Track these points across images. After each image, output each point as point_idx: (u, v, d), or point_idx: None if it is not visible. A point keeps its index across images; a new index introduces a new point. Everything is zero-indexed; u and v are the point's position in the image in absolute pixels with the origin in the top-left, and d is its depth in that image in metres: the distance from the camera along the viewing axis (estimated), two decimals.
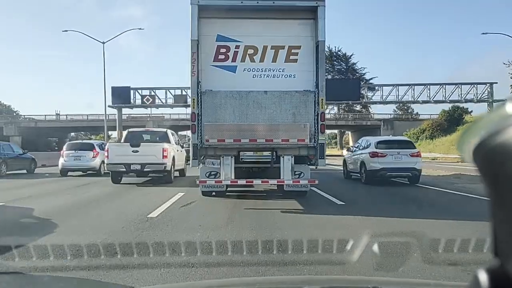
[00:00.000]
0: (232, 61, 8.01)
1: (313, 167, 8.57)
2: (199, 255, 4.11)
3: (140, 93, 45.47)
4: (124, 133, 14.51)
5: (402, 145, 13.14)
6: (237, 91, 7.81)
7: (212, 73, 7.96)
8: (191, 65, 7.78)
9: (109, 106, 42.21)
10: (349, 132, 61.10)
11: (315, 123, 7.90)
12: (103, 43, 33.59)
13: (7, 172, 16.96)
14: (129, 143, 12.54)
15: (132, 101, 44.89)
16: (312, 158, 8.23)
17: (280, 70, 8.04)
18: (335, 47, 58.76)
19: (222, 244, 4.49)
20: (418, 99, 46.29)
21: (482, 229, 4.70)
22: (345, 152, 16.13)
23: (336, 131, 69.46)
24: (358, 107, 58.30)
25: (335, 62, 58.72)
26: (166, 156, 12.12)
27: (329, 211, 7.27)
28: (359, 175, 13.31)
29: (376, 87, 50.08)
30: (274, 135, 7.79)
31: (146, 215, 6.61)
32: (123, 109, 46.07)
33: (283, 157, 7.97)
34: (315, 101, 7.90)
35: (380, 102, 48.21)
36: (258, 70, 8.04)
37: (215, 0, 8.09)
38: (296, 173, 8.29)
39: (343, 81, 46.35)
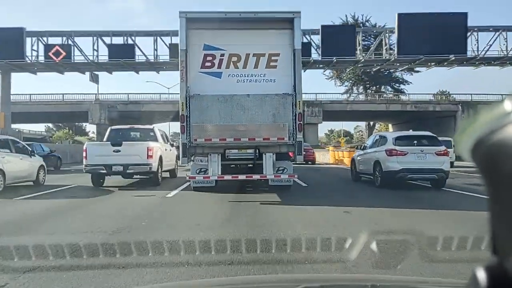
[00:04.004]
0: (217, 68, 8.88)
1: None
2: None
3: (45, 41, 24.65)
4: (107, 130, 13.29)
5: (425, 142, 10.97)
6: (222, 94, 8.71)
7: (199, 79, 8.85)
8: (180, 72, 8.72)
9: None
10: (390, 125, 47.40)
11: (293, 123, 8.72)
12: None
13: None
14: (109, 142, 11.48)
15: (29, 57, 24.63)
16: (292, 155, 9.08)
17: (261, 75, 8.85)
18: (362, 15, 46.46)
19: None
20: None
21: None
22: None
23: (359, 124, 57.96)
24: (389, 90, 44.11)
25: (362, 36, 47.06)
26: (151, 156, 11.10)
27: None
28: (371, 177, 11.41)
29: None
30: (256, 134, 8.67)
31: None
32: (13, 73, 26.60)
33: (265, 154, 8.85)
34: (293, 103, 8.70)
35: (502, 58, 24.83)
36: (241, 75, 8.88)
37: (201, 13, 9.03)
38: (280, 169, 9.15)
39: (431, 18, 23.11)
